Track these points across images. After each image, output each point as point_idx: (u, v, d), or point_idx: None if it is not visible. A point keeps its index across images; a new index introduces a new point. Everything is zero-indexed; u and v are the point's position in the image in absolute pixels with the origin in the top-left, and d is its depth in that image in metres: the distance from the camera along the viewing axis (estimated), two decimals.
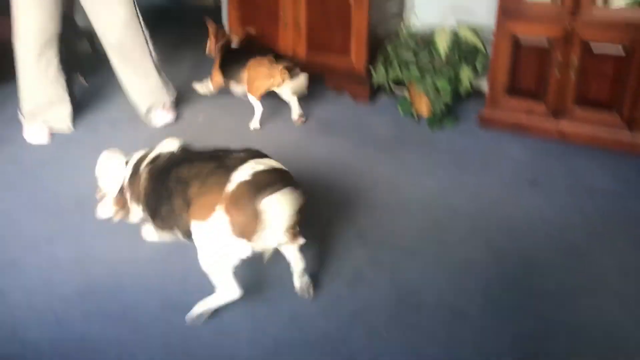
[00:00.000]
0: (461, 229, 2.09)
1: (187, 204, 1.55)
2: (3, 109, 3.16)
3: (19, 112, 2.81)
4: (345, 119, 3.14)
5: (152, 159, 1.71)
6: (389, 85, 3.17)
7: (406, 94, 3.22)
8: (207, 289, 1.61)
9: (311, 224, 2.06)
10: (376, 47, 3.25)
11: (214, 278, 1.57)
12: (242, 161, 1.55)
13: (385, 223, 2.11)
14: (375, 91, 3.38)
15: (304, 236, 1.55)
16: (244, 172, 1.50)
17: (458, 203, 2.26)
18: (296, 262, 1.69)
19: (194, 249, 1.54)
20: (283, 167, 1.61)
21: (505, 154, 2.71)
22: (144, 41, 2.85)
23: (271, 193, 1.46)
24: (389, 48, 3.16)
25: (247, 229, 1.46)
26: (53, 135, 2.85)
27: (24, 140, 2.79)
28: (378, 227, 2.08)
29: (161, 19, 6.08)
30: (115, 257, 1.88)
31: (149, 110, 3.00)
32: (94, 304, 1.66)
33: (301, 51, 3.46)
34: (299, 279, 1.72)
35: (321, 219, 2.13)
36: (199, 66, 3.87)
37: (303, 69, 3.08)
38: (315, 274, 1.81)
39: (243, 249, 1.50)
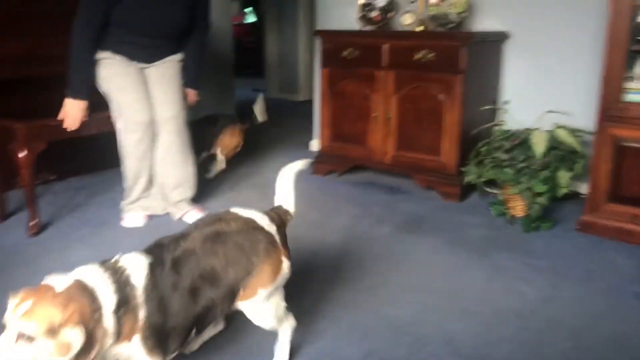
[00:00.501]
0: (563, 343, 1.92)
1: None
2: (103, 194, 3.35)
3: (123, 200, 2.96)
4: (434, 217, 3.08)
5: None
6: (480, 185, 3.11)
7: (499, 194, 3.13)
8: None
9: (395, 332, 1.97)
10: (468, 146, 3.22)
11: (278, 322, 1.70)
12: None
13: (480, 332, 1.97)
14: (465, 190, 3.31)
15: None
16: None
17: (558, 314, 2.09)
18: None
19: None
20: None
21: (608, 261, 2.53)
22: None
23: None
24: (482, 147, 3.12)
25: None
26: (150, 217, 2.96)
27: (122, 225, 2.91)
28: (472, 337, 1.94)
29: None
30: None
31: (176, 202, 2.98)
32: None
33: (391, 148, 3.48)
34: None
35: (410, 324, 2.02)
36: None
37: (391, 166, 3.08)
38: None
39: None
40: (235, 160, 4.20)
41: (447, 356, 1.83)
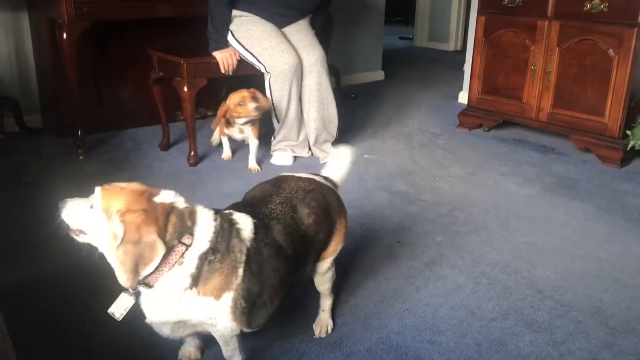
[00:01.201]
0: None
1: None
2: None
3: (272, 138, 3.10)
4: (589, 182, 2.88)
5: None
6: None
7: None
8: (422, 332, 1.57)
9: (537, 294, 1.90)
10: (635, 108, 2.94)
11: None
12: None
13: (632, 306, 1.84)
14: (628, 155, 3.05)
15: None
16: None
17: None
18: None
19: None
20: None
21: None
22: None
23: None
24: None
25: None
26: (296, 158, 3.08)
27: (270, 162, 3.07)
28: (623, 309, 1.82)
29: (396, 60, 6.30)
30: (337, 285, 1.92)
31: (321, 144, 3.08)
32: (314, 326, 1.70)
33: (547, 104, 3.27)
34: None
35: (553, 288, 1.94)
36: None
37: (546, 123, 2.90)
38: (544, 350, 1.64)
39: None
40: (379, 108, 4.21)
41: (593, 325, 1.74)
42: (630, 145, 2.89)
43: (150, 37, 3.33)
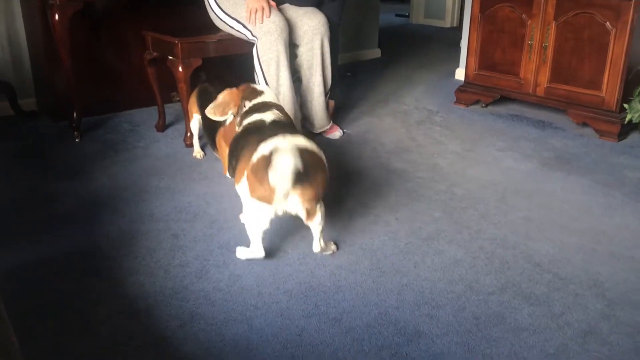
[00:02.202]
0: None
1: (234, 168, 1.93)
2: None
3: None
4: (587, 156, 2.88)
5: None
6: None
7: None
8: (420, 306, 1.59)
9: (535, 268, 1.91)
10: (633, 81, 2.93)
11: (248, 233, 1.85)
12: (273, 135, 1.79)
13: (630, 278, 1.85)
14: (625, 129, 3.04)
15: None
16: (268, 146, 1.73)
17: None
18: (315, 233, 1.88)
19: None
20: (312, 149, 1.80)
21: None
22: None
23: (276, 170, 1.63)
24: None
25: (262, 194, 1.72)
26: None
27: None
28: (620, 282, 1.83)
29: (393, 38, 6.26)
30: (336, 263, 1.93)
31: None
32: (314, 302, 1.72)
33: (544, 79, 3.26)
34: (317, 243, 1.90)
35: (551, 261, 1.95)
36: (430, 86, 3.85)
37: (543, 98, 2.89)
38: (543, 322, 1.65)
39: (265, 211, 1.75)
40: (376, 86, 4.19)
41: (591, 298, 1.75)
42: (627, 119, 2.89)
43: (144, 18, 3.30)
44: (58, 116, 3.25)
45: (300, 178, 1.66)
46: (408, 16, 7.75)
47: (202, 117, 2.66)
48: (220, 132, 2.50)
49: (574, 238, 2.10)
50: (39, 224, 2.16)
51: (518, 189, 2.51)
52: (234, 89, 2.20)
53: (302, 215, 1.78)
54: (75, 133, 3.04)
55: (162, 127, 3.20)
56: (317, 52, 2.93)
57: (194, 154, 2.85)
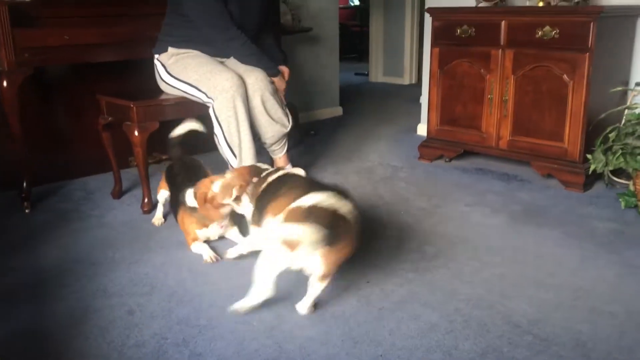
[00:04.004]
0: None
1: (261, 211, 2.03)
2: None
3: None
4: (555, 208, 2.84)
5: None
6: (607, 174, 2.84)
7: (630, 184, 2.84)
8: None
9: (514, 329, 1.82)
10: (594, 131, 2.95)
11: (259, 275, 1.79)
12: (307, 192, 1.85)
13: (612, 335, 1.77)
14: (590, 179, 3.04)
15: None
16: (311, 198, 1.80)
17: None
18: (312, 294, 1.88)
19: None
20: (345, 214, 1.81)
21: None
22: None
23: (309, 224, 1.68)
24: (610, 132, 2.84)
25: (289, 240, 1.70)
26: None
27: None
28: (603, 340, 1.75)
29: (353, 96, 6.31)
30: (306, 334, 1.79)
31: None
32: None
33: (506, 132, 3.26)
34: (308, 304, 1.89)
35: (531, 322, 1.86)
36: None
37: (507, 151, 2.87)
38: None
39: (284, 259, 1.73)
40: (339, 144, 4.15)
41: (573, 355, 1.65)
42: (591, 169, 2.88)
43: (98, 81, 3.21)
44: (6, 185, 3.07)
45: (330, 240, 1.71)
46: (367, 74, 7.87)
47: (170, 194, 2.56)
48: (182, 209, 2.40)
49: (552, 294, 2.02)
50: None
51: (489, 245, 2.44)
52: (243, 168, 2.28)
53: (317, 274, 1.80)
54: (25, 203, 2.87)
55: (119, 193, 3.06)
56: (259, 109, 2.86)
57: (153, 220, 2.71)
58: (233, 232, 2.45)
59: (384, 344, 1.74)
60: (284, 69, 3.08)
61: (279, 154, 3.07)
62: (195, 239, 2.38)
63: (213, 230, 2.38)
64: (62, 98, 3.30)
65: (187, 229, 2.39)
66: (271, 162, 3.09)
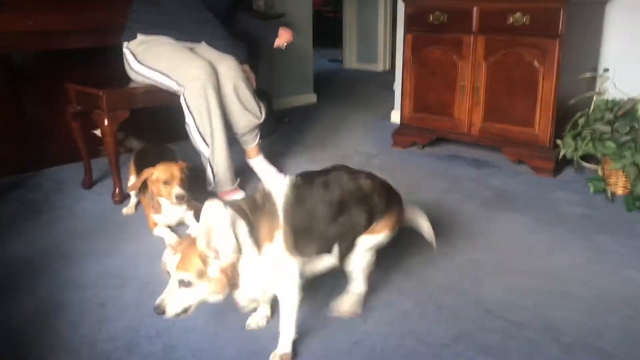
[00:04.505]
0: None
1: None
2: None
3: None
4: (526, 192, 2.88)
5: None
6: (577, 159, 2.88)
7: (598, 169, 2.89)
8: None
9: (487, 315, 1.84)
10: (564, 117, 2.98)
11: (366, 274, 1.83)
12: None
13: (583, 320, 1.80)
14: (560, 164, 3.08)
15: None
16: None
17: None
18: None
19: None
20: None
21: None
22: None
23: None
24: (580, 118, 2.88)
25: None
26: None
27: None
28: (574, 324, 1.78)
29: (327, 82, 6.29)
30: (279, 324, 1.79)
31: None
32: None
33: (478, 119, 3.28)
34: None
35: (503, 307, 1.88)
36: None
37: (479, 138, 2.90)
38: None
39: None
40: (313, 131, 4.14)
41: (547, 344, 1.68)
42: (561, 155, 2.92)
43: (67, 69, 3.14)
44: None
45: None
46: (341, 61, 7.85)
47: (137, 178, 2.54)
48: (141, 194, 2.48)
49: (524, 280, 2.05)
50: None
51: (462, 231, 2.46)
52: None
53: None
54: None
55: (89, 183, 3.01)
56: (232, 98, 2.81)
57: (123, 210, 2.67)
58: (189, 217, 2.47)
59: (358, 331, 1.75)
60: (282, 33, 3.04)
61: (251, 145, 3.02)
62: (155, 224, 2.42)
63: (169, 216, 2.42)
64: (30, 86, 3.22)
65: (146, 214, 2.46)
66: (242, 152, 3.05)
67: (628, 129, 2.71)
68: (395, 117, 4.20)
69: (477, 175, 3.15)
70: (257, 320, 1.79)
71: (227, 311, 1.84)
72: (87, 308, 1.88)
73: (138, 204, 2.69)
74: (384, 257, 2.19)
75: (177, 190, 2.30)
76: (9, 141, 3.13)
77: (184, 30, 2.79)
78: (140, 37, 2.78)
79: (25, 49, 2.92)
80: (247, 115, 2.89)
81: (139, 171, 2.51)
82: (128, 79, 2.86)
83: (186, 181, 2.36)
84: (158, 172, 2.33)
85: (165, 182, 2.31)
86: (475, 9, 3.16)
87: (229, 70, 2.79)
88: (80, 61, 3.19)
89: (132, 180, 2.64)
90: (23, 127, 3.24)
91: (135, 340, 1.71)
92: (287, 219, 1.56)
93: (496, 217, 2.60)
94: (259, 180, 3.00)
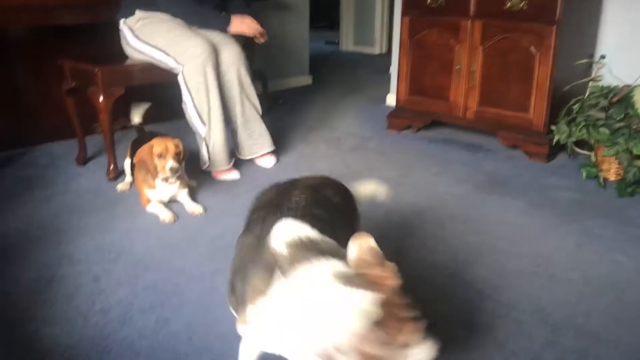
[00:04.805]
0: None
1: None
2: None
3: None
4: (519, 177, 2.90)
5: None
6: (571, 145, 2.90)
7: (591, 155, 2.92)
8: None
9: (476, 295, 1.87)
10: (559, 103, 3.00)
11: None
12: None
13: (570, 301, 1.84)
14: (553, 150, 3.10)
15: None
16: None
17: None
18: None
19: None
20: None
21: None
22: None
23: None
24: (574, 104, 2.90)
25: None
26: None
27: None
28: (562, 305, 1.81)
29: (323, 65, 6.28)
30: None
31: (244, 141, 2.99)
32: None
33: (473, 103, 3.29)
34: None
35: (492, 288, 1.91)
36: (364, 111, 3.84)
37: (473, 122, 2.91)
38: (488, 353, 1.60)
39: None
40: (308, 113, 4.14)
41: (534, 324, 1.71)
42: (555, 140, 2.94)
43: (61, 45, 3.13)
44: None
45: None
46: (337, 43, 7.82)
47: (131, 160, 2.57)
48: (135, 171, 2.49)
49: (513, 262, 2.07)
50: None
51: (454, 213, 2.48)
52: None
53: None
54: None
55: (83, 160, 3.01)
56: (234, 84, 2.83)
57: (118, 185, 2.68)
58: (182, 194, 2.50)
59: None
60: (242, 20, 2.87)
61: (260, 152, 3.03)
62: (148, 200, 2.44)
63: (161, 192, 2.44)
64: (25, 62, 3.21)
65: (139, 190, 2.48)
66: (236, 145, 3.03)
67: (622, 115, 2.72)
68: (391, 100, 4.21)
69: (470, 160, 3.17)
70: None
71: (220, 286, 1.86)
72: (81, 282, 1.90)
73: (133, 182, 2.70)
74: (376, 240, 2.22)
75: (171, 163, 2.32)
76: (2, 116, 3.12)
77: (181, 6, 2.78)
78: (138, 13, 2.76)
79: (20, 24, 2.90)
80: (247, 103, 2.89)
81: (133, 153, 2.52)
82: (124, 56, 2.86)
83: (181, 156, 2.38)
84: (154, 145, 2.35)
85: (160, 155, 2.33)
86: None
87: (233, 55, 2.78)
88: (76, 37, 3.18)
89: (128, 162, 2.65)
90: (18, 102, 3.23)
91: (129, 313, 1.73)
92: None
93: (488, 201, 2.62)
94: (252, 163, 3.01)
